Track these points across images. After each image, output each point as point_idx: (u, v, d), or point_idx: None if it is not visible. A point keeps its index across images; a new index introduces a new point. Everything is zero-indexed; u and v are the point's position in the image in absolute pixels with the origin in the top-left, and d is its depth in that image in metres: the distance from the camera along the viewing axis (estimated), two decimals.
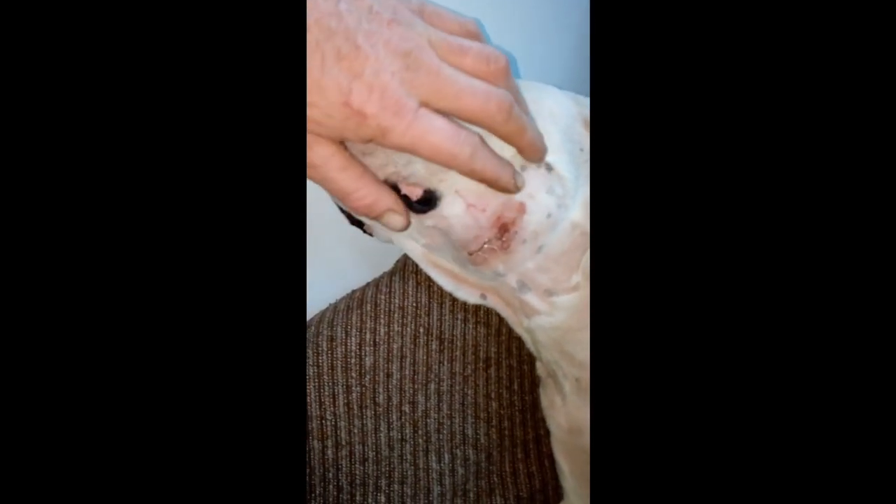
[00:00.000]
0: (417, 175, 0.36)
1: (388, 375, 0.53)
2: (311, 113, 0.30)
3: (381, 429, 0.52)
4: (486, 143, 0.34)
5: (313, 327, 0.53)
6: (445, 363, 0.54)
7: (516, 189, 0.36)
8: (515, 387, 0.55)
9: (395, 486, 0.52)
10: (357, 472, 0.52)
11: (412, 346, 0.53)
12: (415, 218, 0.37)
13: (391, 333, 0.53)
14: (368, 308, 0.53)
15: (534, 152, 0.36)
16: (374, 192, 0.34)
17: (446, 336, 0.54)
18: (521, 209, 0.37)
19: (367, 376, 0.52)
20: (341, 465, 0.51)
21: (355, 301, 0.54)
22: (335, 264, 0.60)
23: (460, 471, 0.53)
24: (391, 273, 0.55)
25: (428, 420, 0.53)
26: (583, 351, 0.42)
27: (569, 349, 0.42)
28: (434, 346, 0.54)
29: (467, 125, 0.33)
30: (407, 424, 0.53)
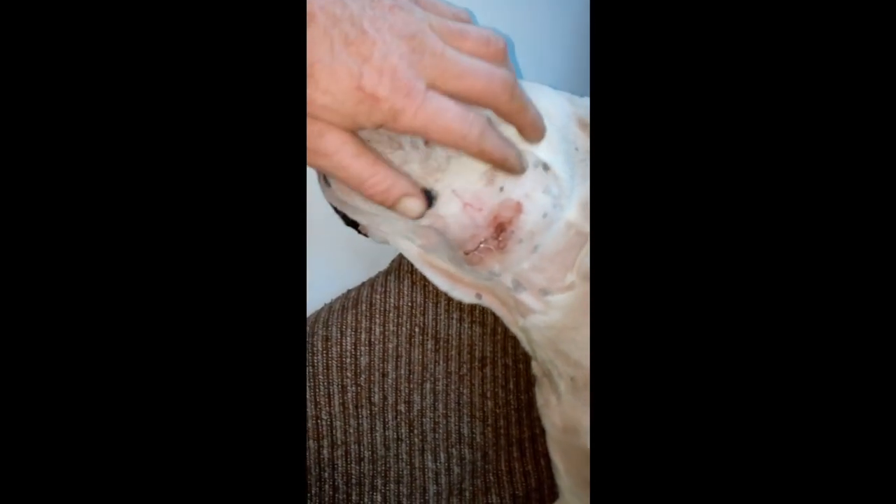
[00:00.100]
0: (414, 174, 0.36)
1: (384, 375, 0.53)
2: (324, 100, 0.30)
3: (377, 428, 0.52)
4: (493, 124, 0.34)
5: (309, 327, 0.53)
6: (441, 362, 0.54)
7: (522, 170, 0.36)
8: (511, 386, 0.55)
9: (391, 485, 0.52)
10: (353, 471, 0.52)
11: (407, 346, 0.53)
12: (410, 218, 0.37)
13: (386, 333, 0.53)
14: (364, 307, 0.53)
15: (534, 131, 0.37)
16: (389, 178, 0.33)
17: (442, 335, 0.54)
18: (518, 209, 0.37)
19: (363, 376, 0.52)
20: (337, 464, 0.51)
21: (350, 301, 0.54)
22: (330, 264, 0.60)
23: (456, 470, 0.53)
24: (386, 272, 0.55)
25: (424, 419, 0.53)
26: (577, 350, 0.42)
27: (563, 348, 0.43)
28: (429, 346, 0.54)
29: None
30: (402, 424, 0.53)
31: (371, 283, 0.55)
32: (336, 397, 0.52)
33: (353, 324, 0.53)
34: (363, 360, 0.52)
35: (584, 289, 0.40)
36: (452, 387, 0.54)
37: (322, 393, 0.52)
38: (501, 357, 0.55)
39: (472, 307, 0.54)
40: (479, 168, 0.36)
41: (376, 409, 0.52)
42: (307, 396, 0.52)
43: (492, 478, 0.54)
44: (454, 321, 0.54)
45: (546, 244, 0.39)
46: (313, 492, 0.51)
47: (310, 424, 0.51)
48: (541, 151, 0.38)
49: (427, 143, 0.36)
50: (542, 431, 0.52)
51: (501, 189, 0.37)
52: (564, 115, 0.40)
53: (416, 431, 0.53)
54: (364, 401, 0.52)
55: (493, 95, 0.33)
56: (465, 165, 0.36)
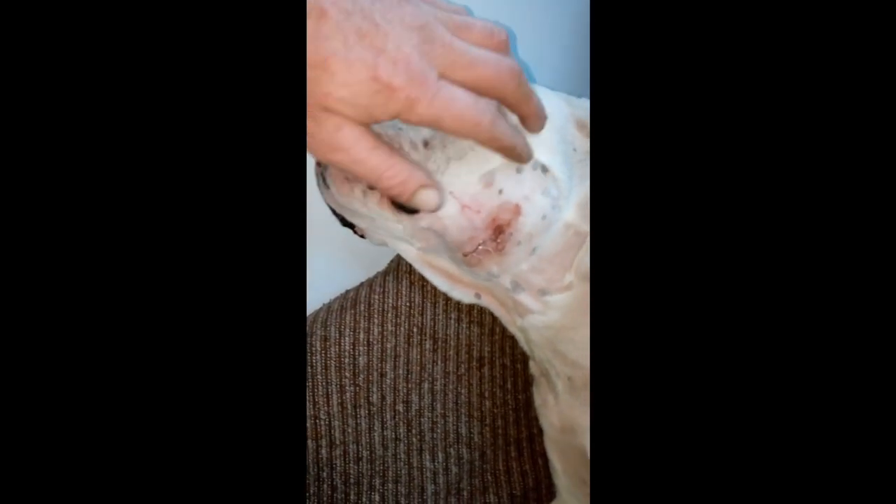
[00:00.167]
0: None
1: (382, 375, 0.53)
2: (341, 92, 0.30)
3: (375, 428, 0.52)
4: (502, 112, 0.34)
5: (307, 327, 0.53)
6: (439, 362, 0.54)
7: (529, 158, 0.37)
8: (509, 385, 0.55)
9: (389, 484, 0.52)
10: (351, 471, 0.52)
11: (406, 346, 0.53)
12: (409, 220, 0.37)
13: (385, 333, 0.53)
14: (362, 308, 0.53)
15: (537, 120, 0.37)
16: (406, 169, 0.33)
17: (440, 335, 0.54)
18: (517, 211, 0.37)
19: (361, 376, 0.52)
20: (335, 464, 0.52)
21: (349, 301, 0.54)
22: (329, 264, 0.60)
23: (454, 469, 0.53)
24: (385, 273, 0.55)
25: (422, 419, 0.53)
26: (575, 350, 0.42)
27: (561, 348, 0.43)
28: (428, 346, 0.54)
29: None
30: (401, 423, 0.53)
31: (370, 284, 0.55)
32: (335, 397, 0.52)
33: (352, 324, 0.53)
34: (362, 360, 0.52)
35: (583, 289, 0.40)
36: (450, 387, 0.54)
37: (321, 393, 0.52)
38: (499, 357, 0.55)
39: (471, 307, 0.54)
40: (477, 171, 0.37)
41: (375, 408, 0.52)
42: (306, 396, 0.52)
43: (489, 477, 0.54)
44: (452, 321, 0.54)
45: (545, 245, 0.39)
46: (312, 491, 0.51)
47: (308, 424, 0.51)
48: (540, 153, 0.38)
49: (427, 145, 0.36)
50: (540, 431, 0.52)
51: (500, 192, 0.37)
52: (562, 116, 0.40)
53: (414, 431, 0.53)
54: (362, 401, 0.52)
55: (502, 84, 0.34)
56: (463, 168, 0.37)
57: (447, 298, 0.53)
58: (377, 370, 0.53)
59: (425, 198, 0.35)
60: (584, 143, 0.40)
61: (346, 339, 0.53)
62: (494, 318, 0.52)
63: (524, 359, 0.54)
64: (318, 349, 0.52)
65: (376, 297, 0.54)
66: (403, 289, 0.54)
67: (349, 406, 0.52)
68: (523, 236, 0.38)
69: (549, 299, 0.41)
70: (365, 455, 0.52)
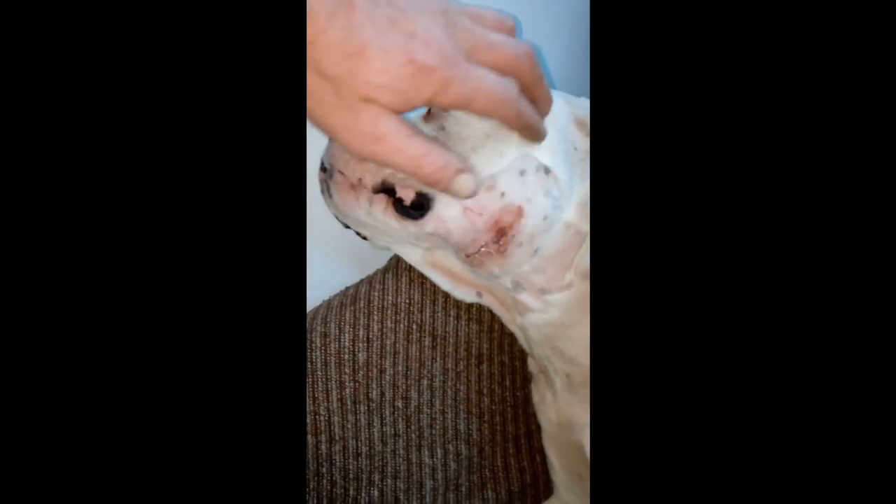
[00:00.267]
0: (411, 179, 0.36)
1: (382, 371, 0.53)
2: (380, 79, 0.30)
3: (375, 424, 0.53)
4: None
5: (307, 323, 0.54)
6: (438, 359, 0.54)
7: (543, 137, 0.37)
8: (507, 383, 0.55)
9: (389, 480, 0.52)
10: (350, 466, 0.52)
11: (405, 343, 0.54)
12: (415, 226, 0.37)
13: (384, 330, 0.53)
14: (362, 305, 0.54)
15: (548, 102, 0.38)
16: (444, 154, 0.34)
17: (439, 332, 0.54)
18: (520, 213, 0.37)
19: (361, 372, 0.53)
20: (335, 459, 0.52)
21: (349, 298, 0.54)
22: (329, 261, 0.60)
23: (453, 465, 0.53)
24: (384, 270, 0.55)
25: (421, 415, 0.53)
26: (573, 347, 0.42)
27: (560, 345, 0.43)
28: (427, 343, 0.54)
29: None
30: (400, 420, 0.53)
31: (369, 281, 0.55)
32: (334, 393, 0.52)
33: (352, 320, 0.53)
34: (361, 357, 0.53)
35: (582, 287, 0.40)
36: (449, 383, 0.54)
37: (320, 388, 0.52)
38: (498, 354, 0.55)
39: (470, 304, 0.54)
40: (480, 173, 0.37)
41: (374, 404, 0.53)
42: (306, 392, 0.52)
43: (488, 473, 0.54)
44: (451, 318, 0.54)
45: (546, 246, 0.39)
46: (311, 486, 0.51)
47: (308, 419, 0.52)
48: (542, 155, 0.38)
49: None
50: (538, 428, 0.53)
51: (502, 195, 0.37)
52: (563, 115, 0.40)
53: (413, 427, 0.53)
54: (362, 397, 0.52)
55: (520, 65, 0.34)
56: None
57: (446, 296, 0.53)
58: (377, 366, 0.53)
59: (463, 182, 0.35)
60: (584, 142, 0.40)
61: (346, 335, 0.53)
62: (493, 316, 0.52)
63: (523, 356, 0.55)
64: (318, 345, 0.52)
65: (376, 293, 0.54)
66: (403, 286, 0.54)
67: (349, 402, 0.52)
68: (525, 237, 0.38)
69: (549, 298, 0.41)
70: (364, 451, 0.52)
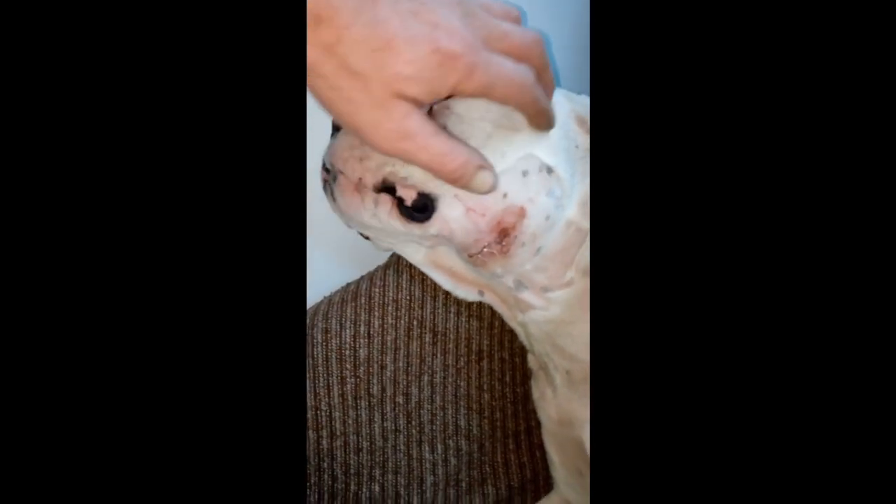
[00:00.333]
0: (414, 177, 0.36)
1: (382, 367, 0.53)
2: (408, 70, 0.30)
3: (375, 419, 0.53)
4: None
5: (309, 319, 0.54)
6: (438, 355, 0.54)
7: (553, 124, 0.38)
8: (507, 379, 0.55)
9: (389, 475, 0.53)
10: (351, 461, 0.52)
11: (406, 339, 0.54)
12: (419, 229, 0.37)
13: (385, 326, 0.54)
14: (363, 301, 0.54)
15: (553, 89, 0.38)
16: (466, 151, 0.34)
17: (439, 329, 0.54)
18: (522, 214, 0.37)
19: (362, 368, 0.53)
20: (336, 454, 0.52)
21: (350, 294, 0.55)
22: (330, 258, 0.60)
23: (453, 461, 0.54)
24: (385, 266, 0.56)
25: (421, 411, 0.53)
26: (574, 344, 0.43)
27: (560, 342, 0.43)
28: (427, 339, 0.54)
29: None
30: (400, 415, 0.53)
31: (370, 277, 0.55)
32: (335, 388, 0.52)
33: (353, 316, 0.53)
34: (362, 353, 0.53)
35: (583, 284, 0.41)
36: (450, 379, 0.54)
37: (322, 384, 0.52)
38: (498, 351, 0.55)
39: (470, 302, 0.54)
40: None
41: (375, 400, 0.53)
42: (307, 387, 0.52)
43: (488, 469, 0.54)
44: (452, 315, 0.55)
45: (548, 245, 0.39)
46: (313, 481, 0.51)
47: (309, 415, 0.52)
48: (544, 154, 0.38)
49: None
50: (538, 424, 0.53)
51: (505, 195, 0.37)
52: (564, 112, 0.40)
53: (413, 423, 0.53)
54: (363, 392, 0.53)
55: (531, 52, 0.35)
56: None
57: (447, 292, 0.53)
58: (377, 362, 0.53)
59: (483, 178, 0.35)
60: (585, 140, 0.40)
61: (347, 331, 0.53)
62: (494, 313, 0.52)
63: (523, 353, 0.55)
64: (320, 341, 0.53)
65: (377, 290, 0.54)
66: (404, 282, 0.54)
67: (350, 397, 0.52)
68: (528, 238, 0.38)
69: (550, 295, 0.41)
70: (365, 446, 0.52)
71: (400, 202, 0.37)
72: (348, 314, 0.53)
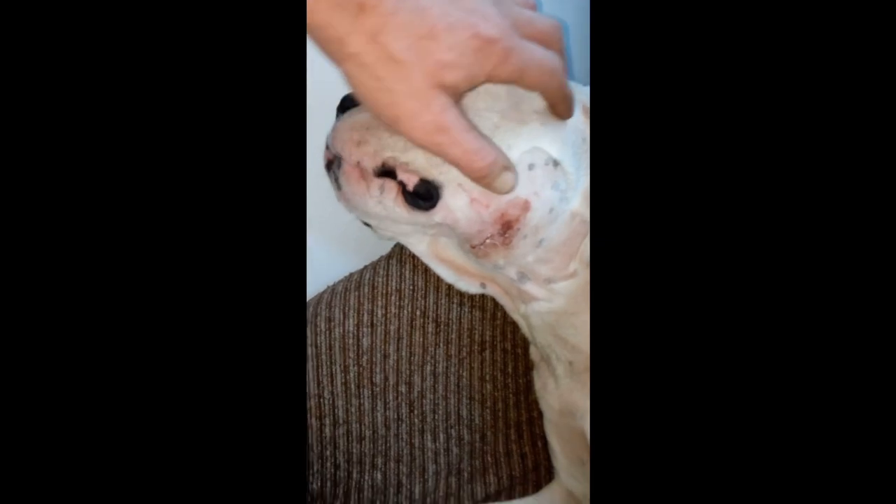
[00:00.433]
0: (416, 163, 0.36)
1: (385, 356, 0.53)
2: (449, 56, 0.31)
3: (378, 408, 0.53)
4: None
5: (312, 308, 0.54)
6: (441, 345, 0.54)
7: (573, 112, 0.38)
8: (509, 370, 0.55)
9: (391, 464, 0.53)
10: (354, 450, 0.52)
11: (409, 329, 0.54)
12: (424, 216, 0.37)
13: (388, 315, 0.54)
14: (366, 290, 0.54)
15: (567, 73, 0.39)
16: (494, 151, 0.34)
17: (442, 319, 0.55)
18: (526, 207, 0.37)
19: (365, 357, 0.53)
20: (339, 442, 0.52)
21: (353, 283, 0.55)
22: (333, 247, 0.60)
23: (455, 450, 0.54)
24: (388, 256, 0.56)
25: (424, 401, 0.54)
26: (576, 335, 0.43)
27: (562, 333, 0.43)
28: (430, 329, 0.54)
29: None
30: (403, 404, 0.53)
31: (373, 267, 0.55)
32: (338, 377, 0.53)
33: (356, 306, 0.53)
34: (365, 342, 0.53)
35: (586, 276, 0.41)
36: (452, 369, 0.54)
37: (325, 372, 0.53)
38: (501, 341, 0.56)
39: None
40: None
41: (377, 389, 0.53)
42: (310, 375, 0.52)
43: (490, 459, 0.55)
44: (454, 305, 0.55)
45: (551, 237, 0.39)
46: (315, 469, 0.52)
47: (312, 403, 0.52)
48: (551, 147, 0.38)
49: None
50: (540, 414, 0.53)
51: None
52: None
53: (416, 412, 0.54)
54: (366, 381, 0.53)
55: (552, 38, 0.35)
56: None
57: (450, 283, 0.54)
58: (380, 351, 0.53)
59: (506, 179, 0.35)
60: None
61: (351, 320, 0.53)
62: (496, 304, 0.53)
63: (525, 344, 0.55)
64: (323, 329, 0.53)
65: (380, 279, 0.54)
66: (407, 272, 0.54)
67: (353, 386, 0.53)
68: (530, 230, 0.38)
69: (554, 287, 0.41)
70: (368, 434, 0.53)
71: (403, 188, 0.37)
72: (352, 303, 0.54)
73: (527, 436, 0.55)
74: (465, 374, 0.55)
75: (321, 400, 0.52)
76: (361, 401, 0.53)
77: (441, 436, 0.54)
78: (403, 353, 0.54)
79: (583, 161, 0.39)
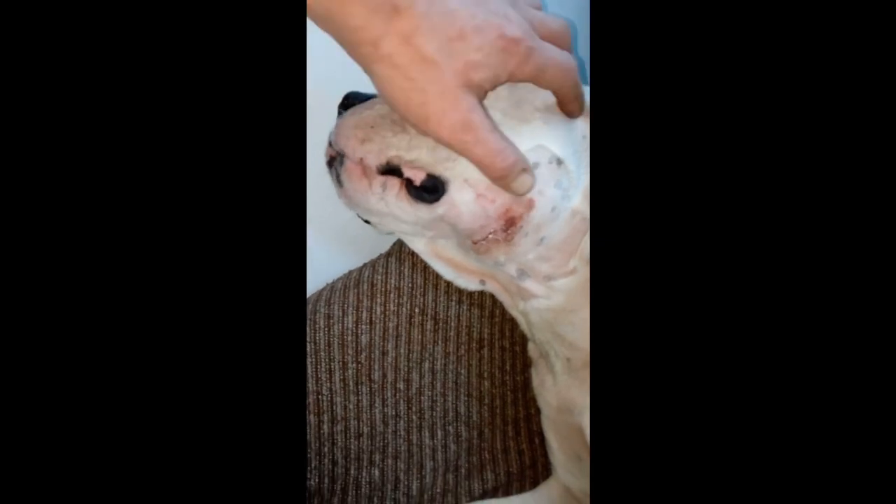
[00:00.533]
0: (422, 160, 0.36)
1: (384, 353, 0.53)
2: (477, 56, 0.32)
3: (376, 405, 0.53)
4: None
5: (311, 305, 0.54)
6: (439, 343, 0.54)
7: (583, 110, 0.39)
8: (507, 367, 0.56)
9: (389, 460, 0.53)
10: (352, 446, 0.53)
11: (407, 326, 0.54)
12: (427, 210, 0.38)
13: (387, 313, 0.54)
14: (365, 287, 0.54)
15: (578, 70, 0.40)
16: (515, 152, 0.35)
17: (441, 316, 0.55)
18: (530, 205, 0.37)
19: (363, 354, 0.53)
20: (337, 439, 0.52)
21: (352, 280, 0.55)
22: (333, 245, 0.60)
23: (452, 447, 0.54)
24: (387, 254, 0.56)
25: (422, 397, 0.54)
26: (574, 332, 0.43)
27: (561, 330, 0.43)
28: (429, 326, 0.54)
29: None
30: (401, 401, 0.54)
31: (372, 264, 0.56)
32: (337, 374, 0.53)
33: (355, 303, 0.54)
34: (364, 339, 0.53)
35: (586, 273, 0.41)
36: (450, 367, 0.55)
37: (323, 369, 0.53)
38: (499, 339, 0.56)
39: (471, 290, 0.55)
40: None
41: (376, 386, 0.53)
42: (309, 372, 0.53)
43: (487, 455, 0.55)
44: (453, 303, 0.55)
45: (552, 235, 0.39)
46: (313, 465, 0.52)
47: (311, 400, 0.52)
48: (555, 145, 0.38)
49: None
50: (537, 411, 0.53)
51: None
52: None
53: (414, 409, 0.54)
54: (364, 378, 0.53)
55: (562, 39, 0.36)
56: None
57: (448, 281, 0.54)
58: (379, 348, 0.53)
59: (524, 181, 0.36)
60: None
61: (349, 317, 0.53)
62: (494, 301, 0.53)
63: (523, 341, 0.55)
64: (322, 326, 0.53)
65: (379, 277, 0.54)
66: (406, 270, 0.55)
67: (351, 383, 0.53)
68: (531, 227, 0.38)
69: (553, 284, 0.41)
70: (366, 431, 0.53)
71: (409, 183, 0.37)
72: (350, 300, 0.54)
73: (524, 432, 0.55)
74: (463, 371, 0.55)
75: (319, 396, 0.52)
76: (360, 397, 0.53)
77: (439, 432, 0.54)
78: (402, 351, 0.54)
79: (583, 159, 0.39)
